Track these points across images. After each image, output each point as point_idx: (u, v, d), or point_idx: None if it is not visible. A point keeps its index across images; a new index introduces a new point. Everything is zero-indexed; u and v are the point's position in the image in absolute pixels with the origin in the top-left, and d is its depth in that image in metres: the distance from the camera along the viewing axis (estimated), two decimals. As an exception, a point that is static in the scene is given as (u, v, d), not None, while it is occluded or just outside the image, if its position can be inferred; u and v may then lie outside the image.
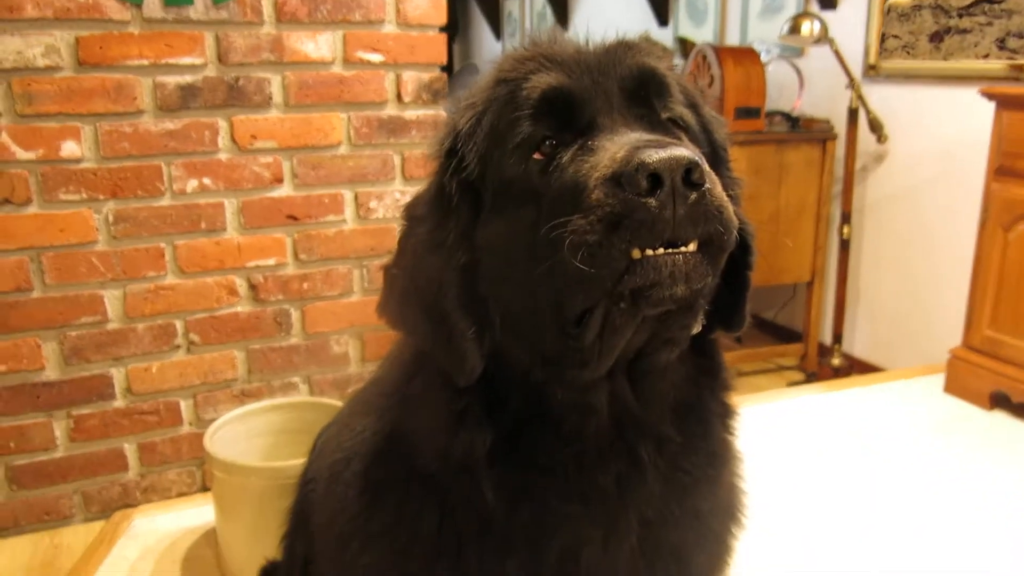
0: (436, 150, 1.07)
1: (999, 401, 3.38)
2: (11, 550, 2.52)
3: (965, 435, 3.21)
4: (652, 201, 0.83)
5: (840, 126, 4.24)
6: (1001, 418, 3.34)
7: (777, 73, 4.58)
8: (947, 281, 3.89)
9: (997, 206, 3.29)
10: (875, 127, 4.05)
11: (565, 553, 1.05)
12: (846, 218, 4.23)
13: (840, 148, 4.28)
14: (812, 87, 4.50)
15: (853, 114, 4.07)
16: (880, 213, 4.32)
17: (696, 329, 1.02)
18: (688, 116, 1.06)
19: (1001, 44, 0.62)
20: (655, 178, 0.83)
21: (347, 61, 2.67)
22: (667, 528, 1.09)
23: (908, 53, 0.77)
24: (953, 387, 3.54)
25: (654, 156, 0.83)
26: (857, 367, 4.41)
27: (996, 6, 0.57)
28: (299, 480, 1.51)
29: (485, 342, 1.01)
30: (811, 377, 4.39)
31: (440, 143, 1.06)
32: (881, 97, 4.09)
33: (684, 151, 0.84)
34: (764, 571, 2.30)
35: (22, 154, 2.36)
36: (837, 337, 4.37)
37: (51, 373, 2.53)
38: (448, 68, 6.66)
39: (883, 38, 0.83)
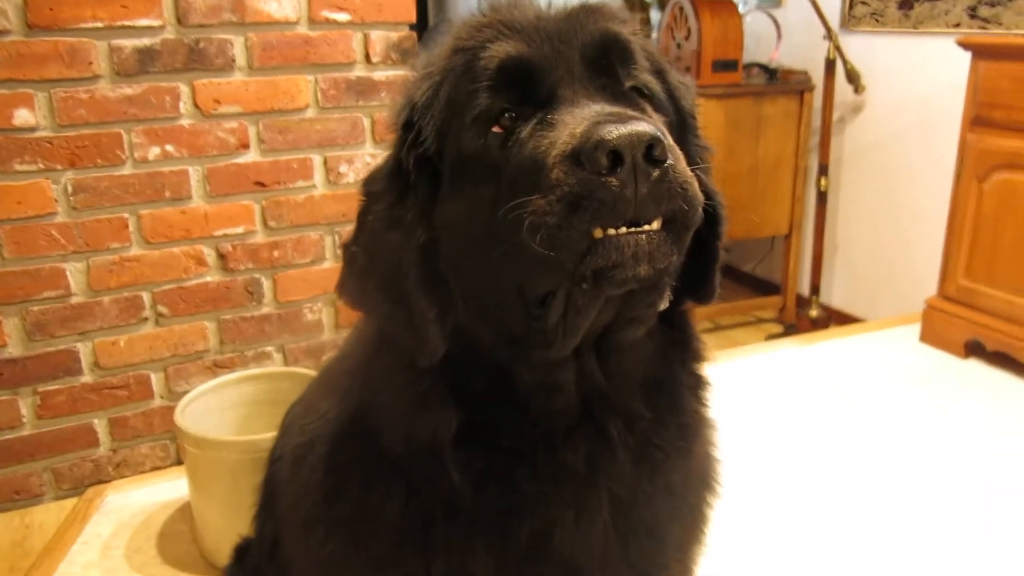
0: (392, 123, 1.03)
1: (974, 349, 3.44)
2: (-19, 530, 2.49)
3: (941, 384, 3.27)
4: (613, 180, 0.80)
5: (818, 77, 4.24)
6: (976, 366, 3.41)
7: (754, 24, 4.54)
8: (924, 231, 3.92)
9: (972, 156, 3.32)
10: (852, 78, 4.04)
11: (536, 534, 1.04)
12: (823, 170, 4.26)
13: (818, 99, 4.28)
14: (789, 38, 4.47)
15: (831, 65, 4.06)
16: (857, 164, 4.34)
17: (663, 306, 1.00)
18: (653, 84, 1.02)
19: (972, 13, 0.59)
20: (615, 155, 0.79)
21: (312, 21, 2.59)
22: (639, 504, 1.08)
23: (877, 21, 0.74)
24: (929, 337, 3.60)
25: (614, 132, 0.79)
26: (835, 318, 4.48)
27: None
28: (268, 458, 1.49)
29: (448, 322, 0.99)
30: (790, 329, 4.44)
31: (396, 115, 1.02)
32: (858, 48, 4.06)
33: (645, 126, 0.80)
34: (741, 528, 2.33)
35: (-29, 123, 2.29)
36: (815, 289, 4.43)
37: (14, 349, 2.47)
38: (423, 24, 6.50)
39: (851, 4, 0.80)
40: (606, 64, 0.97)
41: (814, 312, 4.38)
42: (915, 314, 3.72)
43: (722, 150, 4.14)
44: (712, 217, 1.04)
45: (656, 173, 0.81)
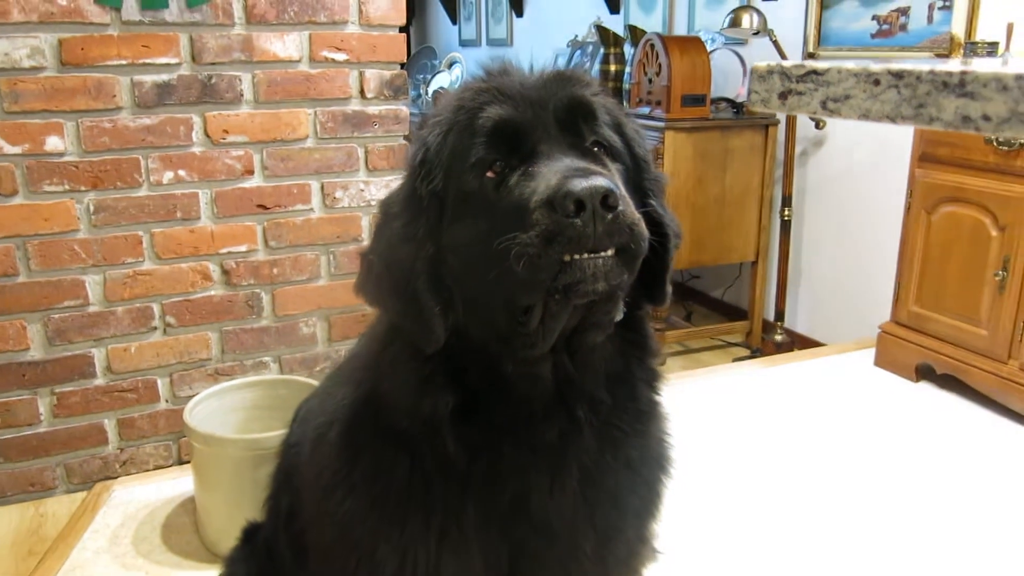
0: (409, 159, 1.26)
1: (924, 373, 3.58)
2: None
3: (891, 405, 3.41)
4: (577, 221, 1.04)
5: (781, 112, 4.42)
6: (926, 388, 3.54)
7: (722, 61, 4.75)
8: (880, 260, 4.05)
9: (921, 190, 3.48)
10: None
11: (517, 497, 1.25)
12: (787, 200, 4.40)
13: (782, 133, 4.44)
14: (755, 75, 4.68)
15: (793, 102, 4.25)
16: (819, 195, 4.49)
17: (618, 317, 1.22)
18: (612, 137, 1.26)
19: (824, 105, 0.81)
20: (579, 203, 1.03)
21: (313, 60, 2.79)
22: (603, 475, 1.29)
23: (765, 105, 0.98)
24: (883, 360, 3.73)
25: (579, 186, 1.03)
26: (799, 342, 4.59)
27: (820, 77, 0.75)
28: (283, 445, 1.68)
29: (449, 318, 1.20)
30: (756, 353, 4.56)
31: (414, 155, 1.25)
32: (819, 86, 4.26)
33: (603, 181, 1.04)
34: (696, 543, 2.46)
35: (9, 148, 2.48)
36: (779, 314, 4.56)
37: (36, 353, 2.65)
38: (407, 51, 6.76)
39: (748, 92, 1.03)
40: (574, 123, 1.21)
41: (779, 337, 4.51)
42: (870, 339, 3.85)
43: (691, 180, 4.32)
44: (664, 234, 1.27)
45: (610, 216, 1.05)
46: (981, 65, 0.81)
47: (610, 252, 1.08)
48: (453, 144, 1.21)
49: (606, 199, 1.04)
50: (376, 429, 1.31)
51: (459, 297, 1.21)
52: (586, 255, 1.06)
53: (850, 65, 0.90)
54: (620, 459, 1.31)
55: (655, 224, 1.25)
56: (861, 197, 4.24)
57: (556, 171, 1.09)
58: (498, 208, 1.14)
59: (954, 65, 0.82)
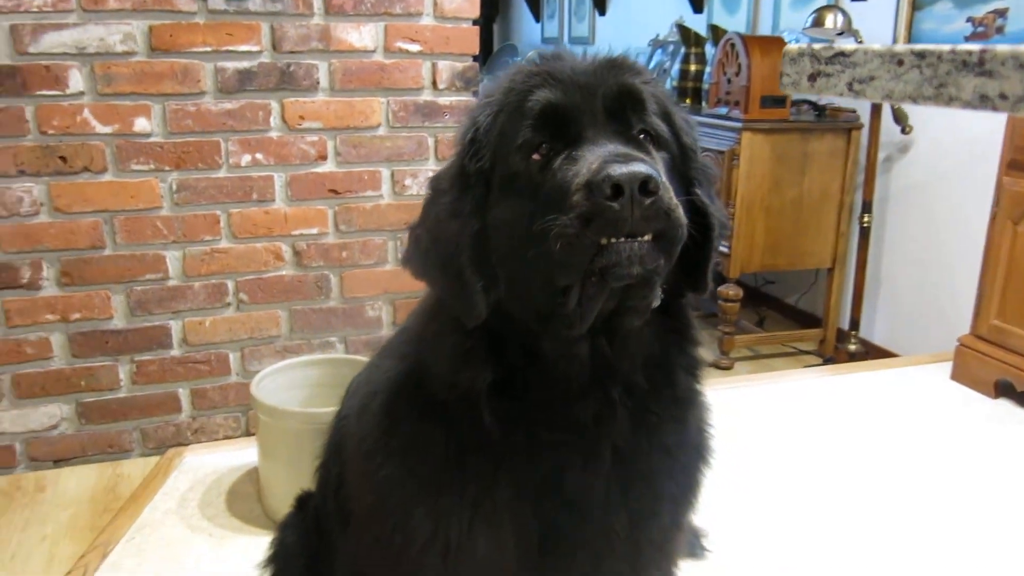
0: (460, 137, 1.29)
1: (1003, 389, 3.44)
2: (79, 476, 2.82)
3: (967, 420, 3.28)
4: (615, 204, 1.05)
5: (866, 115, 4.28)
6: (1004, 405, 3.41)
7: (806, 64, 4.68)
8: (962, 271, 3.94)
9: (1008, 199, 3.34)
10: (899, 118, 4.11)
11: (550, 474, 1.27)
12: (867, 207, 4.29)
13: (865, 137, 4.33)
14: (839, 78, 4.58)
15: (877, 104, 4.13)
16: (902, 202, 4.38)
17: (655, 303, 1.22)
18: (659, 126, 1.26)
19: (850, 86, 0.82)
20: (618, 187, 1.05)
21: (388, 50, 2.87)
22: (637, 458, 1.30)
23: (795, 87, 0.99)
24: (960, 375, 3.61)
25: (618, 170, 1.05)
26: (873, 353, 4.47)
27: (847, 58, 0.76)
28: (335, 417, 1.74)
29: (491, 295, 1.23)
30: (828, 362, 4.46)
31: (464, 133, 1.28)
32: (905, 90, 4.15)
33: (642, 167, 1.06)
34: (748, 544, 2.44)
35: (101, 128, 2.63)
36: (855, 323, 4.44)
37: (118, 322, 2.80)
38: (488, 48, 6.86)
39: (781, 75, 1.04)
40: (621, 111, 1.22)
41: (852, 346, 4.40)
42: (948, 352, 3.73)
43: (767, 183, 4.25)
44: (707, 225, 1.28)
45: (648, 201, 1.06)
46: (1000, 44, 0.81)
47: (647, 237, 1.09)
48: (502, 125, 1.23)
49: (645, 185, 1.05)
50: (417, 400, 1.35)
51: (502, 275, 1.23)
52: (623, 239, 1.08)
53: (876, 46, 0.90)
54: (655, 444, 1.32)
55: (700, 213, 1.26)
56: (945, 205, 4.12)
57: (598, 156, 1.11)
58: (541, 190, 1.16)
59: (974, 45, 0.82)
